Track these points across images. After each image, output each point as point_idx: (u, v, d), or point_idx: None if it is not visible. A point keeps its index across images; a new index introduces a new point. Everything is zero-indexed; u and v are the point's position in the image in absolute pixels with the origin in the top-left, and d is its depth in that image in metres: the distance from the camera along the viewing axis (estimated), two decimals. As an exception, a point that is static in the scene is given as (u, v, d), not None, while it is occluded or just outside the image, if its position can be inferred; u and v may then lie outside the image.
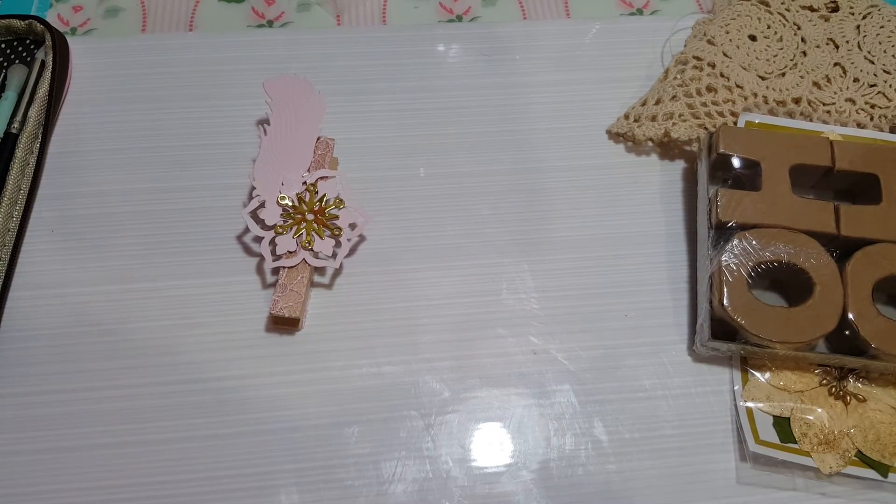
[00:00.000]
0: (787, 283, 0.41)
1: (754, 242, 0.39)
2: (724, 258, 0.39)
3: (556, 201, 0.44)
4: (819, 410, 0.38)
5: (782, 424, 0.38)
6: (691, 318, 0.41)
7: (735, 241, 0.39)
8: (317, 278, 0.42)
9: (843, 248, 0.40)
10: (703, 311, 0.39)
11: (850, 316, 0.37)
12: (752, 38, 0.48)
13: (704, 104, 0.46)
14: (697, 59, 0.47)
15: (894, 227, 0.40)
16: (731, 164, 0.42)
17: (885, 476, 0.37)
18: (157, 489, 0.36)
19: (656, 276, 0.42)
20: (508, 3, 0.52)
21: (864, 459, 0.37)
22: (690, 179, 0.45)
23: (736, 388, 0.39)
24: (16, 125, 0.43)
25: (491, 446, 0.38)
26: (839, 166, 0.42)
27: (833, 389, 0.39)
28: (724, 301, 0.38)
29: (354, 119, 0.47)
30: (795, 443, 0.37)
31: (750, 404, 0.38)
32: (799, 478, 0.37)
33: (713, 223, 0.40)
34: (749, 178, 0.42)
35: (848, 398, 0.39)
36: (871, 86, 0.47)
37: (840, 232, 0.40)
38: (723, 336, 0.38)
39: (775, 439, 0.37)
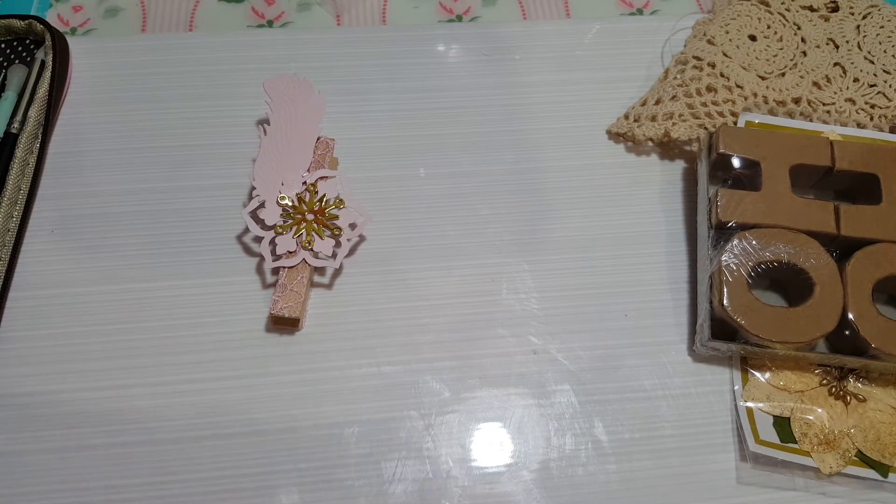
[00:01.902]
0: (787, 283, 0.41)
1: (754, 242, 0.39)
2: (724, 258, 0.39)
3: (556, 201, 0.44)
4: (819, 410, 0.38)
5: (782, 424, 0.38)
6: (691, 318, 0.41)
7: (735, 241, 0.39)
8: (317, 278, 0.42)
9: (842, 248, 0.40)
10: (703, 311, 0.39)
11: (850, 316, 0.37)
12: (752, 38, 0.48)
13: (704, 104, 0.46)
14: (697, 59, 0.47)
15: (894, 227, 0.40)
16: (731, 164, 0.42)
17: (886, 476, 0.37)
18: (157, 489, 0.36)
19: (656, 276, 0.42)
20: (508, 3, 0.52)
21: (864, 459, 0.37)
22: (690, 179, 0.45)
23: (736, 388, 0.39)
24: (16, 125, 0.43)
25: (491, 446, 0.38)
26: (839, 166, 0.42)
27: (833, 389, 0.39)
28: (725, 301, 0.38)
29: (354, 119, 0.47)
30: (795, 443, 0.37)
31: (750, 404, 0.38)
32: (799, 478, 0.37)
33: (713, 223, 0.40)
34: (749, 178, 0.42)
35: (848, 398, 0.39)
36: (871, 86, 0.47)
37: (840, 232, 0.40)
38: (723, 336, 0.38)
39: (775, 439, 0.37)
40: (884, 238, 0.39)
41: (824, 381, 0.39)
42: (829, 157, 0.42)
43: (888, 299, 0.42)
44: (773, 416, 0.38)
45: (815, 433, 0.38)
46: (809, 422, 0.38)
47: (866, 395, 0.39)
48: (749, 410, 0.38)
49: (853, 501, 0.37)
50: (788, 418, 0.38)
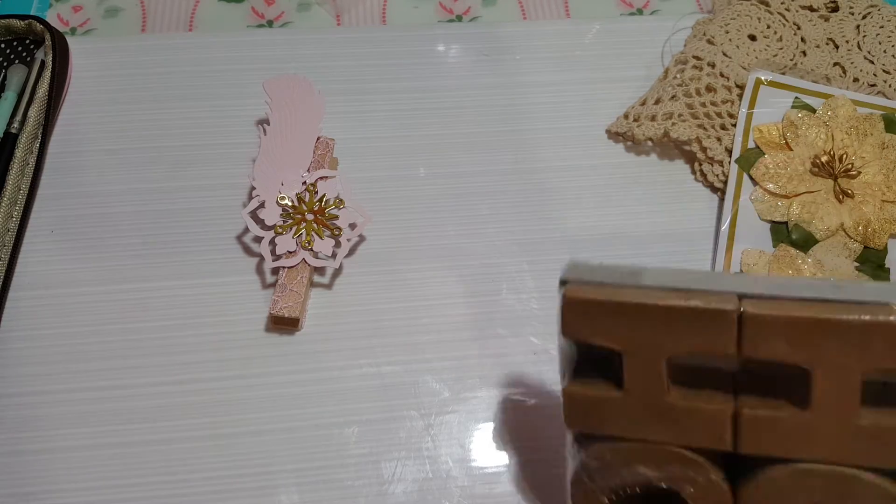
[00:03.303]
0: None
1: (612, 459, 0.29)
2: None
3: (556, 201, 0.44)
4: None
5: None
6: (691, 318, 0.41)
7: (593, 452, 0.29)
8: (317, 278, 0.42)
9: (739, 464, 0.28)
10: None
11: None
12: (752, 37, 0.48)
13: (704, 104, 0.46)
14: (697, 58, 0.47)
15: (824, 442, 0.26)
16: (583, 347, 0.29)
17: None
18: (157, 489, 0.36)
19: (656, 276, 0.42)
20: (508, 3, 0.52)
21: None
22: (690, 179, 0.45)
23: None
24: (16, 125, 0.43)
25: (491, 446, 0.38)
26: (747, 353, 0.26)
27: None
28: None
29: (354, 119, 0.47)
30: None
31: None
32: None
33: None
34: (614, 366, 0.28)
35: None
36: (871, 85, 0.47)
37: (738, 449, 0.27)
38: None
39: None
40: (807, 457, 0.26)
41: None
42: (734, 340, 0.26)
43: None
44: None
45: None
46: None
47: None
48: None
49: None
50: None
